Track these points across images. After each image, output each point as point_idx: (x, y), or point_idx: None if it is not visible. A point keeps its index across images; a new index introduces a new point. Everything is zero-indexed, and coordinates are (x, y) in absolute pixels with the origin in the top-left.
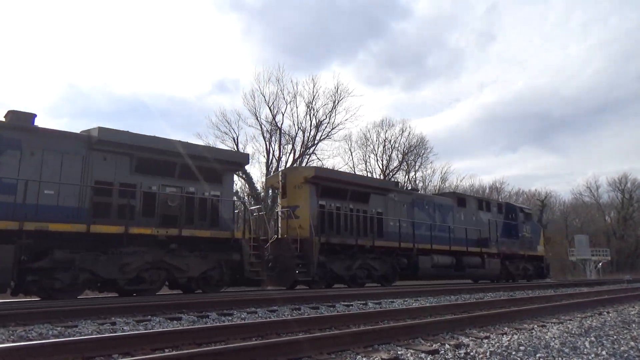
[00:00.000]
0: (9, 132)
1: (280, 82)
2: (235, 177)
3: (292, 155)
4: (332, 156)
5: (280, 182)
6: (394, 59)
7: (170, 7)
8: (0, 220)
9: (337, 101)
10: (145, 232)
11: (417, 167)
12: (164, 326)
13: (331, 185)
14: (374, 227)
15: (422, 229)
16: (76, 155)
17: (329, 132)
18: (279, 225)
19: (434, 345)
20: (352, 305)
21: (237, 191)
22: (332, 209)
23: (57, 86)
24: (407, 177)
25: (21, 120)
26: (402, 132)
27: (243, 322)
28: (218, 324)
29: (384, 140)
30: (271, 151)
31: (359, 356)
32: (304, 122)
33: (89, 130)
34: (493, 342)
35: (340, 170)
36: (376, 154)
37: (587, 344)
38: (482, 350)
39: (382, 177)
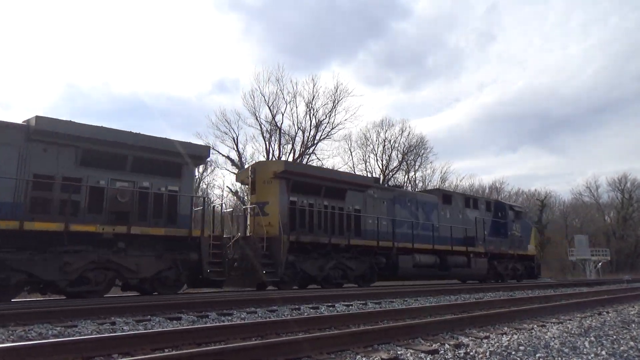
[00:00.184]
0: None
1: (280, 82)
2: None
3: (292, 155)
4: (331, 156)
5: (249, 178)
6: (393, 58)
7: (169, 7)
8: None
9: (336, 101)
10: (88, 229)
11: (417, 167)
12: (163, 326)
13: (303, 180)
14: (351, 224)
15: (404, 227)
16: (11, 147)
17: (329, 132)
18: (248, 223)
19: (433, 345)
20: (351, 305)
21: (234, 190)
22: (305, 205)
23: (56, 86)
24: (406, 177)
25: None
26: (402, 132)
27: (243, 322)
28: (218, 324)
29: (384, 140)
30: (271, 151)
31: (358, 356)
32: (303, 122)
33: (28, 120)
34: (493, 342)
35: (314, 165)
36: (376, 154)
37: (586, 343)
38: (481, 350)
39: (382, 177)
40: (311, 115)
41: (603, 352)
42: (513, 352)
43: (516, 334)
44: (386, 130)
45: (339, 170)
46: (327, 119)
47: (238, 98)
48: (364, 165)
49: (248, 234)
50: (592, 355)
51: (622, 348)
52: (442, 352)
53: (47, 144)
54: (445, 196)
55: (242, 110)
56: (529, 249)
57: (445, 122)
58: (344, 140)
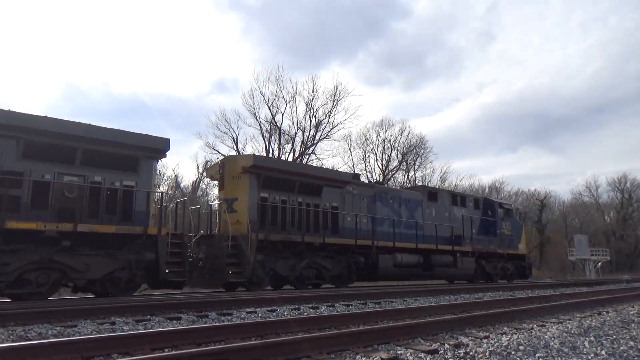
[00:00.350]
0: None
1: (280, 82)
2: None
3: (291, 155)
4: (331, 156)
5: (218, 173)
6: (393, 58)
7: (169, 7)
8: None
9: (336, 101)
10: (28, 227)
11: (416, 167)
12: (163, 326)
13: (275, 175)
14: (328, 222)
15: (385, 225)
16: None
17: (329, 131)
18: (217, 220)
19: (433, 345)
20: (351, 305)
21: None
22: (277, 202)
23: (55, 85)
24: (406, 177)
25: None
26: (402, 132)
27: (242, 322)
28: (217, 324)
29: (384, 140)
30: (271, 151)
31: (358, 356)
32: (303, 122)
33: None
34: (492, 342)
35: (287, 160)
36: (376, 154)
37: (586, 343)
38: (481, 350)
39: (381, 177)
40: (311, 115)
41: (603, 352)
42: (513, 352)
43: (516, 333)
44: (386, 130)
45: (314, 165)
46: (327, 118)
47: (238, 98)
48: (363, 165)
49: (214, 232)
50: (592, 355)
51: (621, 348)
52: (441, 352)
53: None
54: (431, 193)
55: (242, 110)
56: (519, 248)
57: (445, 122)
58: (343, 140)
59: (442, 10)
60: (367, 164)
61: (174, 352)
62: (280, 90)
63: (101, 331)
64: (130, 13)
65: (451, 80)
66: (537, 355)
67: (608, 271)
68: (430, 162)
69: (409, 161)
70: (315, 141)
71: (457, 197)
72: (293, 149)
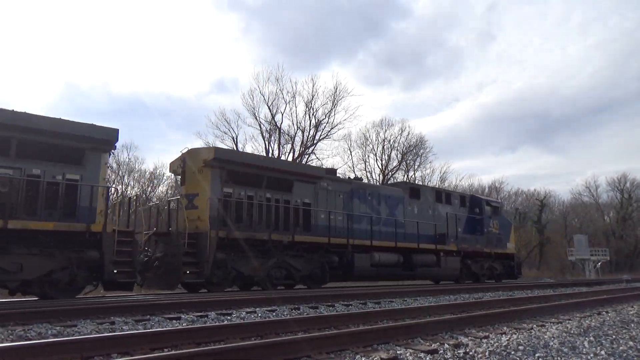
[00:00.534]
0: None
1: (280, 82)
2: None
3: (291, 154)
4: (331, 156)
5: (180, 167)
6: (393, 58)
7: (169, 6)
8: None
9: (336, 101)
10: None
11: (416, 167)
12: (163, 326)
13: (240, 170)
14: (299, 219)
15: (363, 222)
16: None
17: (328, 131)
18: (177, 217)
19: (433, 345)
20: (351, 305)
21: None
22: (242, 197)
23: (55, 85)
24: (406, 176)
25: None
26: (402, 131)
27: (242, 321)
28: (217, 324)
29: (384, 140)
30: (270, 151)
31: (358, 356)
32: (303, 122)
33: None
34: (492, 342)
35: (255, 153)
36: (375, 154)
37: (586, 343)
38: (481, 350)
39: (381, 176)
40: (311, 115)
41: (602, 352)
42: (512, 352)
43: (515, 333)
44: (386, 130)
45: (284, 159)
46: (327, 118)
47: (237, 98)
48: (363, 165)
49: (170, 230)
50: (592, 355)
51: (621, 348)
52: (441, 351)
53: None
54: (413, 190)
55: (242, 110)
56: (508, 247)
57: (445, 122)
58: (343, 140)
59: (442, 10)
60: (367, 164)
61: (173, 352)
62: (280, 90)
63: (101, 331)
64: (130, 13)
65: (451, 80)
66: (536, 355)
67: (608, 271)
68: (430, 162)
69: (408, 161)
70: (315, 141)
71: (442, 194)
72: (293, 148)
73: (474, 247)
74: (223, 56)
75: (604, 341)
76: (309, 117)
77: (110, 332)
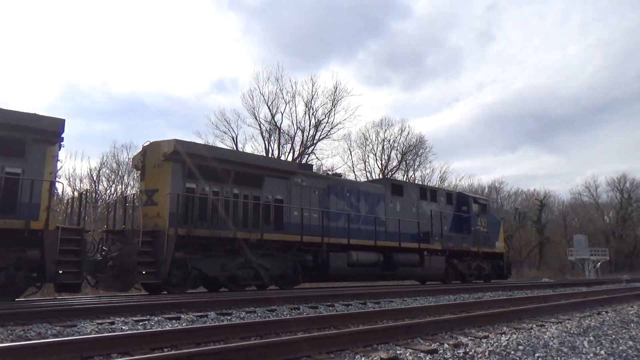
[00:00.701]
0: None
1: (279, 82)
2: None
3: (291, 154)
4: (331, 156)
5: (140, 162)
6: (393, 58)
7: (169, 6)
8: None
9: (336, 101)
10: None
11: (416, 167)
12: (162, 326)
13: (204, 163)
14: (270, 217)
15: (340, 220)
16: None
17: (328, 131)
18: (137, 214)
19: (432, 345)
20: (351, 305)
21: None
22: (206, 193)
23: (54, 85)
24: (405, 176)
25: None
26: (401, 131)
27: (242, 321)
28: (217, 324)
29: (383, 140)
30: (270, 151)
31: (357, 356)
32: (303, 122)
33: None
34: (492, 342)
35: (221, 146)
36: (375, 154)
37: (585, 343)
38: (480, 349)
39: (381, 176)
40: (310, 114)
41: (602, 352)
42: (512, 352)
43: (515, 333)
44: (385, 130)
45: (254, 154)
46: (327, 118)
47: (237, 98)
48: (363, 165)
49: (124, 227)
50: (591, 355)
51: (621, 347)
52: (441, 351)
53: None
54: (395, 186)
55: (242, 110)
56: (497, 246)
57: (445, 121)
58: (343, 140)
59: (442, 10)
60: (367, 163)
61: (173, 352)
62: (280, 90)
63: (100, 331)
64: (130, 13)
65: (451, 80)
66: (536, 355)
67: (607, 271)
68: (430, 162)
69: (408, 161)
70: (314, 141)
71: (427, 191)
72: (292, 148)
73: (460, 246)
74: (223, 56)
75: (603, 341)
76: (309, 117)
77: (110, 332)
